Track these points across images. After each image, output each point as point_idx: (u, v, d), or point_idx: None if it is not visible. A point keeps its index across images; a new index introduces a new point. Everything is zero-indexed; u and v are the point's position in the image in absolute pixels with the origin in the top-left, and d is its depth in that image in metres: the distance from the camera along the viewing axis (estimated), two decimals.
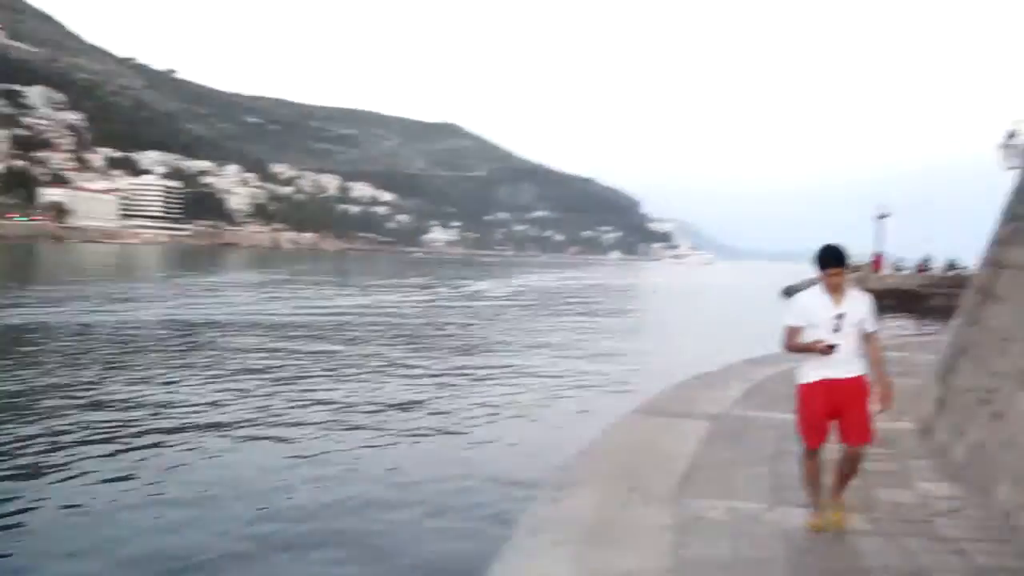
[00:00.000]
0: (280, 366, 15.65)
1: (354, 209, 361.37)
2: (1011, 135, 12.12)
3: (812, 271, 4.72)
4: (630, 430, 7.51)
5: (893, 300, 43.29)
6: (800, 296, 4.83)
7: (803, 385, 4.71)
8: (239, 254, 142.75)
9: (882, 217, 50.61)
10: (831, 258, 4.59)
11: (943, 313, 36.75)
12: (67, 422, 10.11)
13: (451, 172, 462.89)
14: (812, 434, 4.70)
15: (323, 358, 17.06)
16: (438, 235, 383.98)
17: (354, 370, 15.53)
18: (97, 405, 11.33)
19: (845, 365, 4.60)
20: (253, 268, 74.03)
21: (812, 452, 4.75)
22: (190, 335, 20.29)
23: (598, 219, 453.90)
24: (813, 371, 4.65)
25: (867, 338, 4.69)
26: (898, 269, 51.28)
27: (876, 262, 50.10)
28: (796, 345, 4.70)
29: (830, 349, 4.52)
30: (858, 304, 4.67)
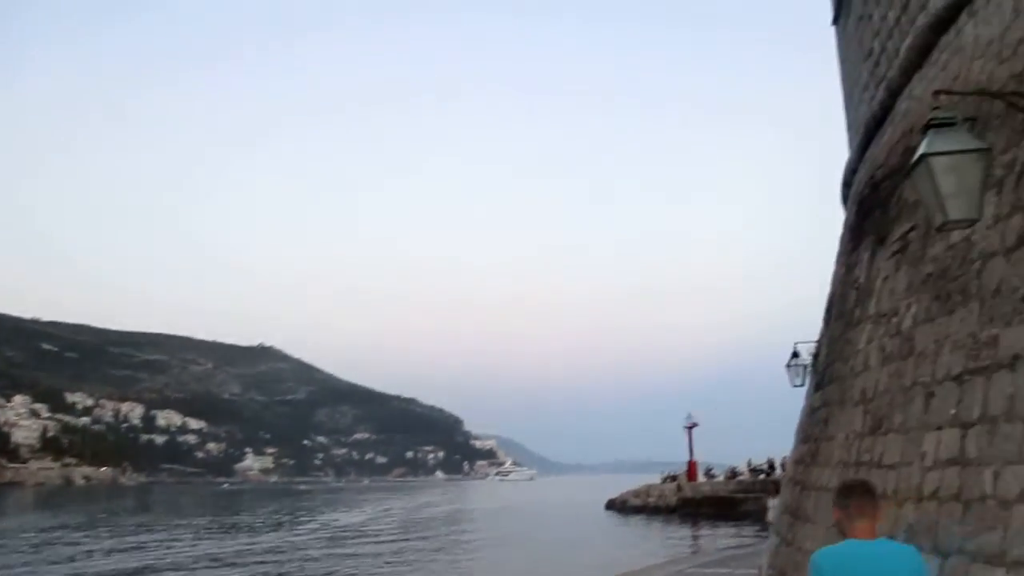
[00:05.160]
0: None
1: (159, 439, 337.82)
2: (795, 355, 13.27)
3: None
4: None
5: (710, 507, 44.78)
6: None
7: None
8: (23, 494, 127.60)
9: (691, 427, 53.29)
10: None
11: (756, 516, 38.37)
12: None
13: (267, 396, 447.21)
14: None
15: None
16: (252, 463, 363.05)
17: None
18: None
19: None
20: (37, 511, 66.05)
21: None
22: None
23: (421, 439, 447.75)
24: None
25: None
26: (710, 476, 53.47)
27: (691, 470, 52.11)
28: None
29: None
30: None
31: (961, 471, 4.84)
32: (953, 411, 5.10)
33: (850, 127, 11.25)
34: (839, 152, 11.88)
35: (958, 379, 5.15)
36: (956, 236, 5.59)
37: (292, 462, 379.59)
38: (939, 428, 5.22)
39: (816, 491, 7.11)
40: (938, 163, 4.34)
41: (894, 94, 8.27)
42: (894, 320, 6.44)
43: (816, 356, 9.81)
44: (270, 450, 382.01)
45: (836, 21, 11.51)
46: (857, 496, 3.23)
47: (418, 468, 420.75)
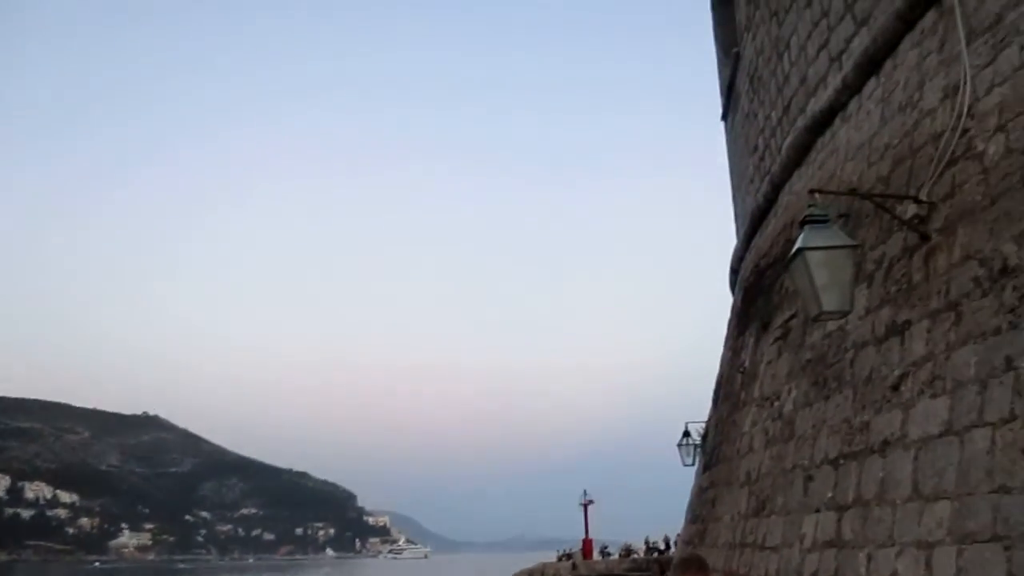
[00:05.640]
0: None
1: (26, 513, 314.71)
2: (686, 434, 13.54)
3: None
4: None
5: None
6: None
7: None
8: None
9: (587, 504, 53.24)
10: None
11: None
12: None
13: (148, 468, 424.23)
14: None
15: None
16: (128, 539, 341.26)
17: None
18: None
19: None
20: None
21: None
22: None
23: (312, 515, 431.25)
24: None
25: None
26: (605, 554, 53.29)
27: (586, 548, 51.86)
28: None
29: None
30: None
31: (838, 553, 5.00)
32: (830, 494, 5.29)
33: (737, 216, 11.82)
34: (729, 239, 12.44)
35: (834, 463, 5.36)
36: (832, 325, 5.90)
37: (172, 539, 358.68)
38: (817, 511, 5.40)
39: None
40: (813, 257, 4.62)
41: (777, 188, 8.77)
42: (776, 404, 6.69)
43: (705, 436, 10.05)
44: (148, 525, 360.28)
45: (725, 117, 12.19)
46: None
47: (307, 545, 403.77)
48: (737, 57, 10.64)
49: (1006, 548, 3.52)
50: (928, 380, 4.52)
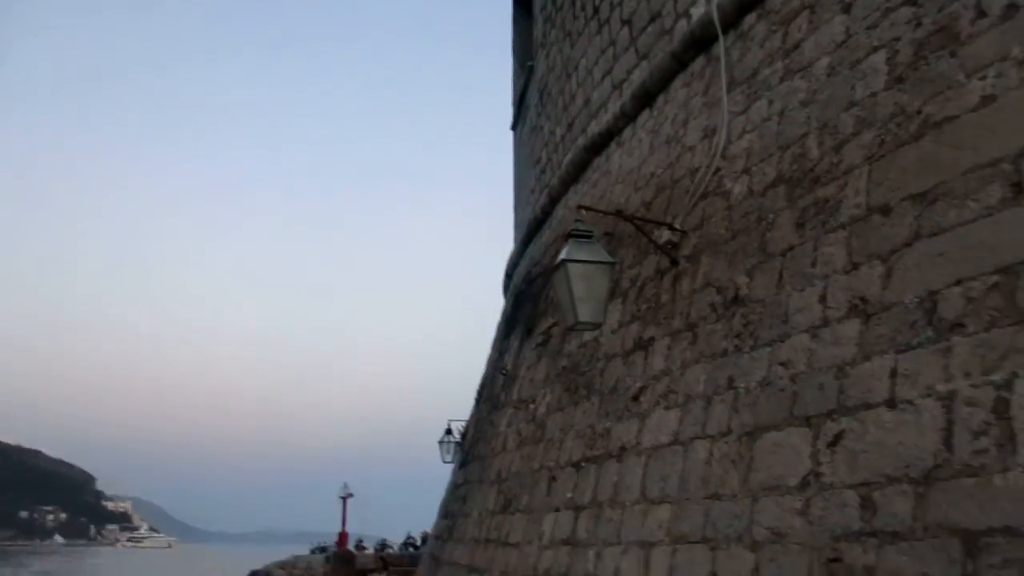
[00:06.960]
0: None
1: None
2: (448, 432, 13.76)
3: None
4: None
5: None
6: None
7: None
8: None
9: (346, 497, 52.64)
10: None
11: None
12: None
13: None
14: None
15: None
16: None
17: None
18: None
19: None
20: None
21: None
22: None
23: (41, 497, 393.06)
24: None
25: None
26: (360, 548, 53.00)
27: (341, 542, 51.27)
28: None
29: None
30: None
31: (572, 551, 5.30)
32: (570, 495, 5.60)
33: (517, 225, 12.22)
34: (507, 244, 12.81)
35: (576, 465, 5.68)
36: (588, 336, 6.25)
37: None
38: (557, 510, 5.69)
39: (450, 566, 7.36)
40: (574, 269, 4.87)
41: (555, 201, 9.16)
42: (532, 407, 6.98)
43: (465, 435, 10.28)
44: None
45: (515, 127, 12.57)
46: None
47: (33, 531, 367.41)
48: (531, 71, 11.01)
49: (712, 548, 3.90)
50: (664, 393, 4.91)
